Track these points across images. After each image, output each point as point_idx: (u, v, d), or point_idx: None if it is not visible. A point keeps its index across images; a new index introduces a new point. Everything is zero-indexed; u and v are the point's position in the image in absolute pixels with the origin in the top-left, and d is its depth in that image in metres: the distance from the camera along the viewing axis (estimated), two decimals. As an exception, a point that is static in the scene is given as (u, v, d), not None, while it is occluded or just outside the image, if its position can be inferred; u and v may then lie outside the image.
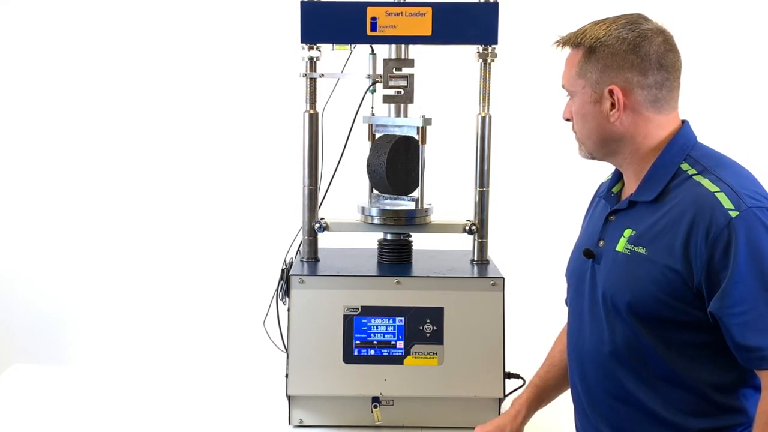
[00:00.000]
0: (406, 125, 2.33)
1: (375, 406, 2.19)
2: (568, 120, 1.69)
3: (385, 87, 2.33)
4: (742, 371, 1.55)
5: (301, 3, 2.25)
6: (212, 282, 3.71)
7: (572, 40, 1.63)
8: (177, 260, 3.75)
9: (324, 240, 2.42)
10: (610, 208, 1.69)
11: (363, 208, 2.38)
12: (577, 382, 1.76)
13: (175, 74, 3.70)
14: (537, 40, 2.20)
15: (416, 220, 2.35)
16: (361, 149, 2.41)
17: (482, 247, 2.38)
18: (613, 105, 1.59)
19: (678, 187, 1.56)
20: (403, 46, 2.34)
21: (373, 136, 2.41)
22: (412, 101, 2.35)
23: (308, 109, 2.33)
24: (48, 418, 2.29)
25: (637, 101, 1.58)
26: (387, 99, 2.34)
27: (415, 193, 2.38)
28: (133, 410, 2.35)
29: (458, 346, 2.18)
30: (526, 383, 2.04)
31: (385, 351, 2.18)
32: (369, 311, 2.19)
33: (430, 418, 2.22)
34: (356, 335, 2.18)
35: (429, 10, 2.23)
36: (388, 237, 2.39)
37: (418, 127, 2.29)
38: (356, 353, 2.18)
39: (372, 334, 2.19)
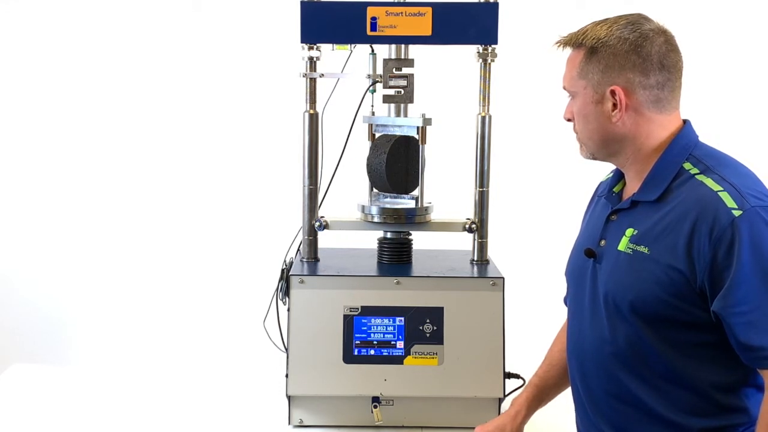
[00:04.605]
0: (406, 125, 2.33)
1: (375, 406, 2.19)
2: (569, 120, 1.69)
3: (385, 87, 2.33)
4: (745, 371, 1.55)
5: (301, 3, 2.26)
6: (212, 282, 3.71)
7: (573, 41, 1.63)
8: (177, 260, 3.75)
9: (324, 240, 2.42)
10: (611, 207, 1.69)
11: (363, 207, 2.38)
12: (577, 382, 1.76)
13: (175, 74, 3.69)
14: (537, 40, 2.20)
15: (416, 218, 2.35)
16: (361, 149, 2.42)
17: (482, 247, 2.38)
18: (615, 105, 1.59)
19: (681, 186, 1.56)
20: (403, 46, 2.34)
21: (373, 135, 2.41)
22: (412, 101, 2.35)
23: (308, 109, 2.33)
24: (48, 418, 2.29)
25: (638, 101, 1.58)
26: (387, 99, 2.34)
27: (416, 192, 2.38)
28: (133, 410, 2.35)
29: (458, 346, 2.18)
30: (526, 383, 2.04)
31: (385, 351, 2.18)
32: (369, 311, 2.19)
33: (430, 418, 2.22)
34: (356, 335, 2.18)
35: (429, 10, 2.23)
36: (388, 236, 2.39)
37: (418, 127, 2.29)
38: (356, 353, 2.18)
39: (372, 334, 2.19)
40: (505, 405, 2.13)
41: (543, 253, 3.24)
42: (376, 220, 2.35)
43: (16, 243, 3.82)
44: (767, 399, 1.47)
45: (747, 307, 1.45)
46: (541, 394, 1.96)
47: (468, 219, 2.38)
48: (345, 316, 2.19)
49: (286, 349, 2.21)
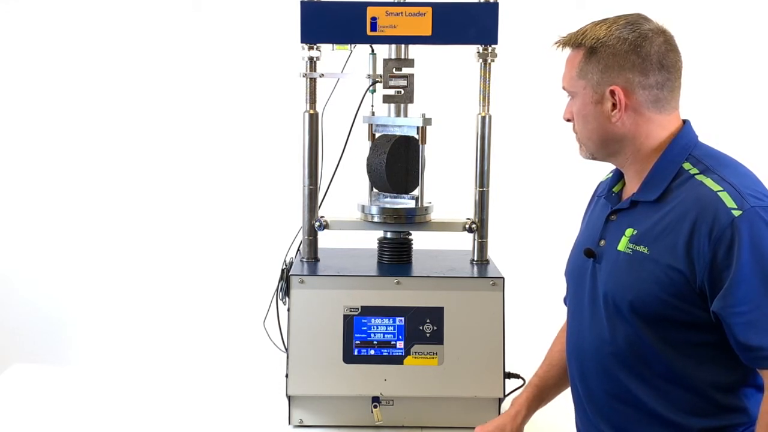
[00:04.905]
0: (406, 125, 2.33)
1: (375, 406, 2.19)
2: (568, 121, 1.69)
3: (385, 87, 2.33)
4: (744, 370, 1.55)
5: (301, 3, 2.26)
6: (212, 282, 3.71)
7: (572, 41, 1.63)
8: (177, 260, 3.75)
9: (324, 239, 2.42)
10: (611, 207, 1.69)
11: (363, 207, 2.38)
12: (577, 382, 1.76)
13: (175, 75, 3.70)
14: (537, 40, 2.20)
15: (416, 218, 2.35)
16: (361, 149, 2.42)
17: (482, 247, 2.38)
18: (614, 105, 1.59)
19: (680, 186, 1.56)
20: (403, 46, 2.34)
21: (373, 135, 2.41)
22: (412, 101, 2.35)
23: (308, 109, 2.33)
24: (48, 418, 2.29)
25: (638, 101, 1.58)
26: (387, 99, 2.34)
27: (416, 192, 2.38)
28: (133, 410, 2.35)
29: (458, 346, 2.18)
30: (526, 383, 2.04)
31: (385, 351, 2.18)
32: (369, 311, 2.19)
33: (430, 418, 2.22)
34: (356, 335, 2.18)
35: (429, 10, 2.23)
36: (388, 236, 2.39)
37: (418, 127, 2.29)
38: (356, 353, 2.18)
39: (372, 334, 2.19)
40: (505, 405, 2.13)
41: (543, 253, 3.24)
42: (376, 220, 2.35)
43: (16, 243, 3.82)
44: (767, 399, 1.48)
45: (746, 307, 1.45)
46: (541, 394, 1.96)
47: (468, 219, 2.38)
48: (345, 316, 2.19)
49: (286, 349, 2.21)
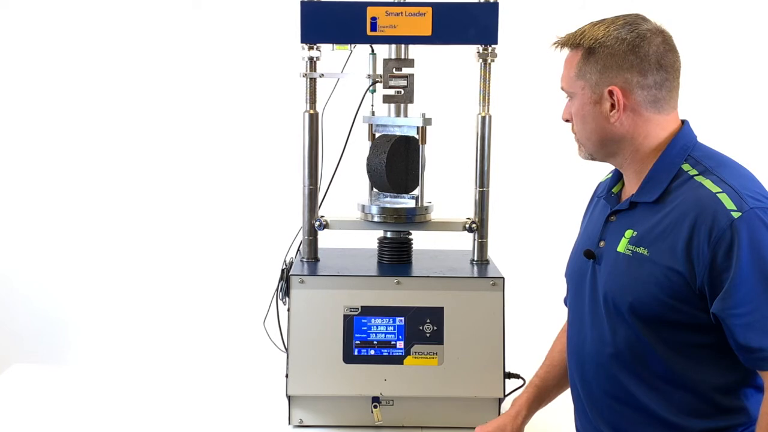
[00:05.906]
0: (406, 125, 2.33)
1: (375, 406, 2.19)
2: (567, 121, 1.69)
3: (385, 87, 2.33)
4: (744, 372, 1.55)
5: (301, 3, 2.26)
6: (212, 282, 3.72)
7: (571, 41, 1.63)
8: (177, 260, 3.75)
9: (324, 239, 2.42)
10: (610, 208, 1.69)
11: (363, 206, 2.38)
12: (577, 383, 1.75)
13: (175, 74, 3.70)
14: (537, 40, 2.20)
15: (416, 217, 2.35)
16: (361, 149, 2.42)
17: (482, 247, 2.38)
18: (612, 106, 1.59)
19: (679, 187, 1.56)
20: (403, 46, 2.34)
21: (373, 135, 2.41)
22: (412, 101, 2.35)
23: (308, 109, 2.33)
24: (48, 418, 2.29)
25: (636, 102, 1.58)
26: (387, 99, 2.34)
27: (416, 192, 2.38)
28: (133, 410, 2.35)
29: (458, 346, 2.18)
30: (526, 383, 2.04)
31: (385, 351, 2.18)
32: (369, 311, 2.19)
33: (430, 418, 2.22)
34: (356, 335, 2.18)
35: (429, 10, 2.23)
36: (388, 235, 2.39)
37: (418, 127, 2.30)
38: (356, 353, 2.18)
39: (372, 334, 2.19)
40: (506, 405, 2.13)
41: (543, 253, 3.25)
42: (376, 219, 2.35)
43: (16, 243, 3.82)
44: (766, 400, 1.48)
45: (746, 308, 1.45)
46: (541, 395, 1.96)
47: (468, 219, 2.38)
48: (345, 316, 2.19)
49: (286, 349, 2.21)
